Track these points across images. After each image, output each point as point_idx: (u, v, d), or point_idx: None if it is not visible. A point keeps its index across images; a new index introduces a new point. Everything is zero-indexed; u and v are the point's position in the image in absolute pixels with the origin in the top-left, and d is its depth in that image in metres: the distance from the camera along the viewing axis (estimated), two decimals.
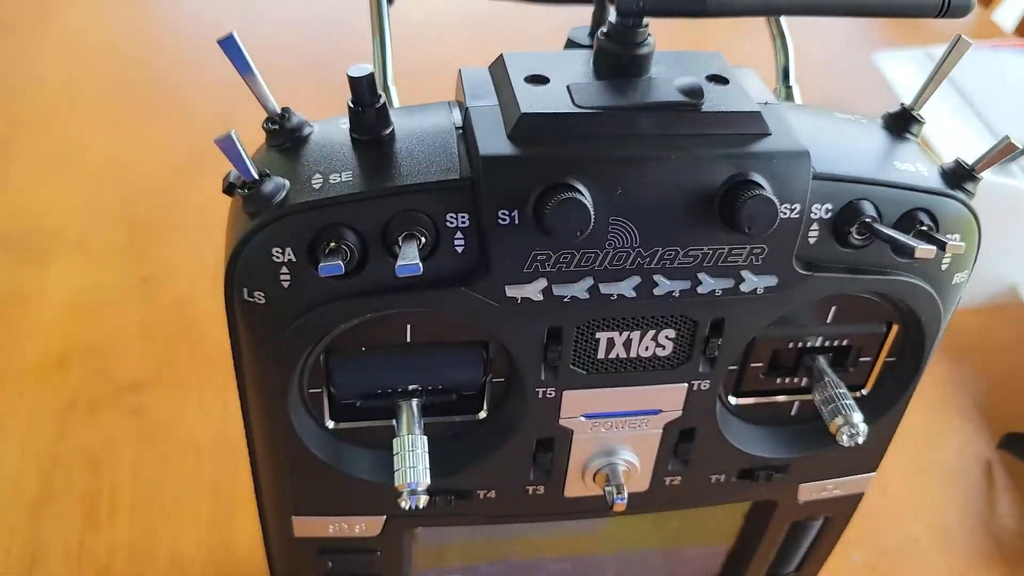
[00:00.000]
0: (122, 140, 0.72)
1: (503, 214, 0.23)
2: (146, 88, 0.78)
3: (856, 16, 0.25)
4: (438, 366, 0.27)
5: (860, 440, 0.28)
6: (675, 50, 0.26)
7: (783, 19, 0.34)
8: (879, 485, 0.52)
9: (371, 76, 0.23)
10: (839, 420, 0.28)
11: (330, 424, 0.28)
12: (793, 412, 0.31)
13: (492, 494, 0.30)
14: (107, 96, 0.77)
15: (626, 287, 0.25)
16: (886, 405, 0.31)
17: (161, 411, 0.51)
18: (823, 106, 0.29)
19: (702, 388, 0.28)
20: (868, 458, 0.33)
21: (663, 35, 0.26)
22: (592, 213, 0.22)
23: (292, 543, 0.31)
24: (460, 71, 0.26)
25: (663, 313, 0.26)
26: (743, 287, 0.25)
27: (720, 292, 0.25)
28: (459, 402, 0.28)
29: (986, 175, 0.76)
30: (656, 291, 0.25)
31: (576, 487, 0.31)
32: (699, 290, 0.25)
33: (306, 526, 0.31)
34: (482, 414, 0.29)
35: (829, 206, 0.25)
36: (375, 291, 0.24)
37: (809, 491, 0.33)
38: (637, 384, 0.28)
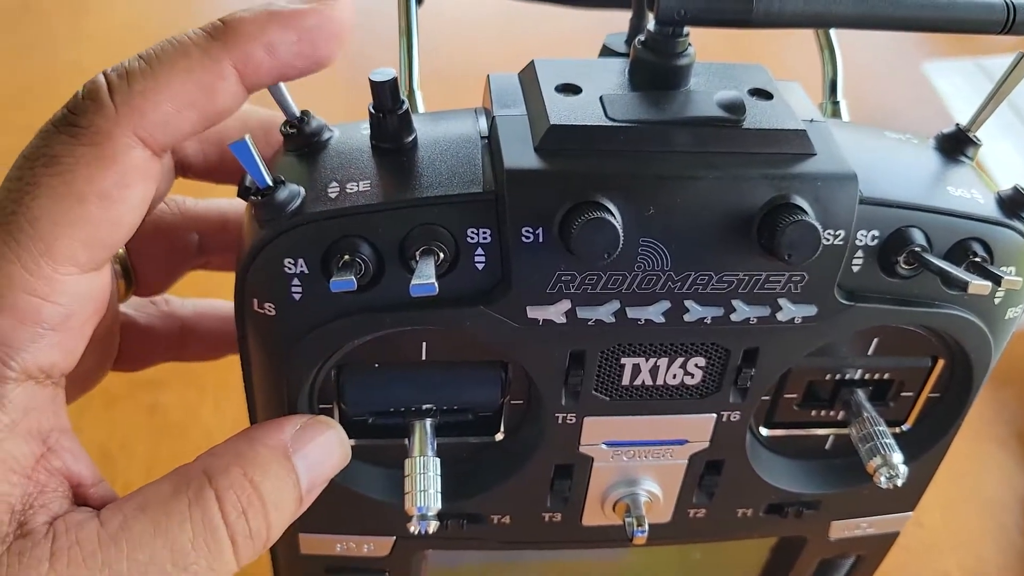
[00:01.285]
0: None
1: (527, 231, 0.22)
2: None
3: (914, 31, 0.24)
4: (454, 386, 0.26)
5: (899, 483, 0.26)
6: (716, 61, 0.25)
7: (832, 31, 0.32)
8: (914, 517, 0.50)
9: (394, 81, 0.22)
10: (877, 460, 0.27)
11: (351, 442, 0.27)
12: (828, 446, 0.30)
13: (507, 519, 0.29)
14: None
15: (655, 312, 0.24)
16: (928, 443, 0.29)
17: (176, 410, 0.51)
18: (872, 124, 0.28)
19: (732, 419, 0.27)
20: (905, 497, 0.31)
21: (701, 43, 0.24)
22: (621, 235, 0.21)
23: (298, 560, 0.30)
24: (488, 77, 0.25)
25: (693, 340, 0.25)
26: (780, 316, 0.24)
27: (755, 320, 0.24)
28: (475, 423, 0.27)
29: None
30: (687, 317, 0.24)
31: (595, 516, 0.29)
32: (732, 317, 0.24)
33: (313, 544, 0.30)
34: (499, 436, 0.28)
35: (876, 232, 0.24)
36: (390, 307, 0.23)
37: (841, 528, 0.32)
38: (663, 413, 0.26)
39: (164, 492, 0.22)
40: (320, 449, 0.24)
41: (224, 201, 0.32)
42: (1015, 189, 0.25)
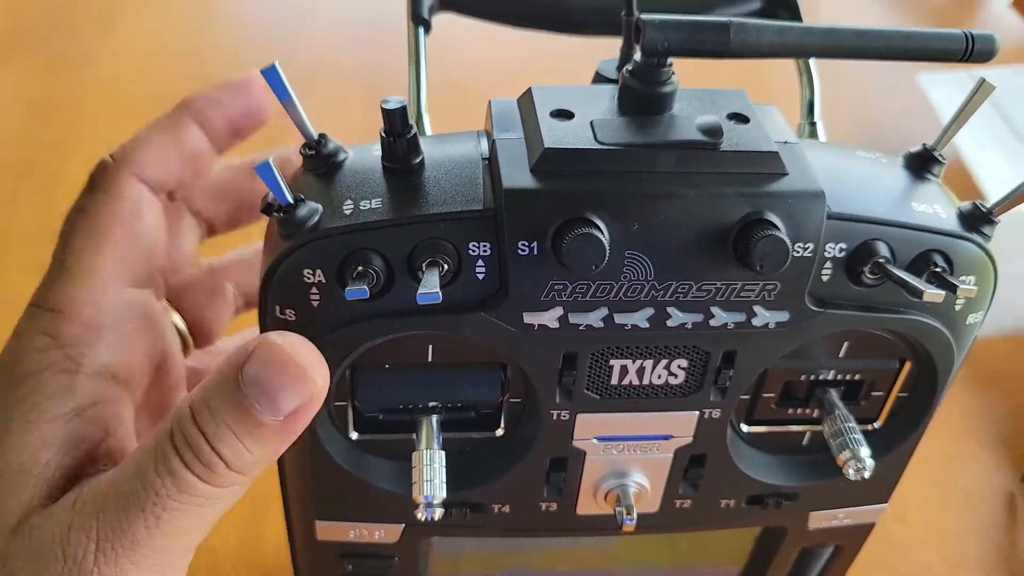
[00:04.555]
0: None
1: (523, 245, 0.24)
2: (197, 89, 0.80)
3: (881, 60, 0.26)
4: (457, 385, 0.29)
5: (866, 475, 0.29)
6: (699, 88, 0.27)
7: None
8: (897, 512, 0.53)
9: (404, 109, 0.25)
10: (846, 454, 0.29)
11: (354, 435, 0.30)
12: (804, 442, 0.32)
13: (507, 508, 0.31)
14: (159, 98, 0.78)
15: (640, 318, 0.26)
16: (897, 440, 0.31)
17: None
18: (868, 135, 0.29)
19: (713, 416, 0.29)
20: (879, 490, 0.33)
21: (693, 66, 0.26)
22: (607, 248, 0.23)
23: (315, 545, 0.32)
24: (490, 102, 0.27)
25: (676, 344, 0.27)
26: (755, 321, 0.26)
27: (732, 326, 0.26)
28: (477, 419, 0.30)
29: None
30: (669, 323, 0.26)
31: (588, 505, 0.32)
32: (712, 323, 0.26)
33: (328, 530, 0.32)
34: (499, 432, 0.30)
35: (843, 245, 0.26)
36: (399, 313, 0.26)
37: (819, 519, 0.34)
38: (649, 410, 0.29)
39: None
40: (271, 368, 0.24)
41: (241, 249, 0.37)
42: (974, 205, 0.27)
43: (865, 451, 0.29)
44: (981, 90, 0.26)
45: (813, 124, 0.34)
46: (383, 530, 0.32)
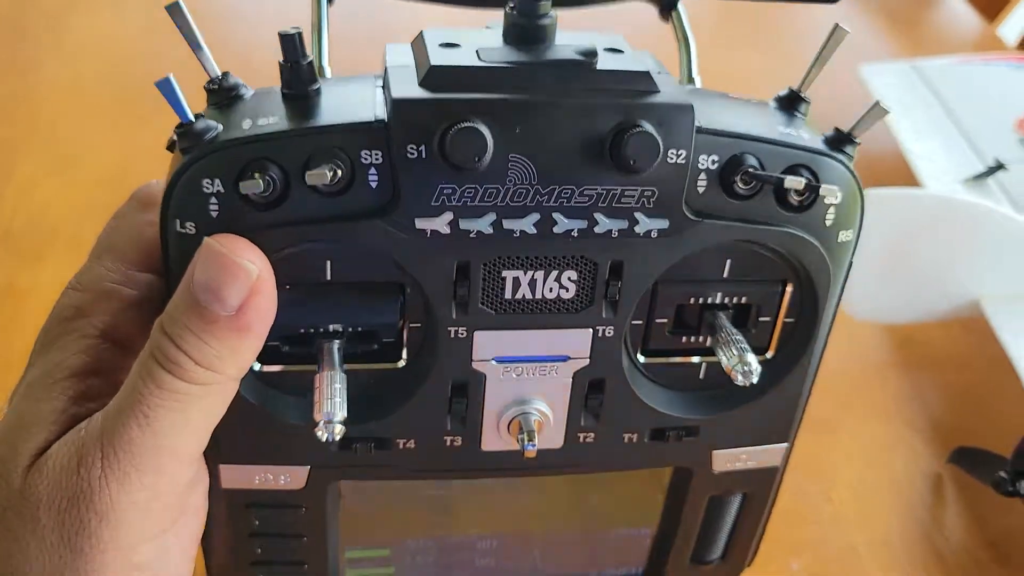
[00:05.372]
0: (124, 142, 0.74)
1: (412, 148, 0.26)
2: (153, 89, 0.79)
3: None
4: (356, 306, 0.29)
5: (754, 379, 0.29)
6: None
7: (686, 21, 0.37)
8: (823, 493, 0.52)
9: (300, 34, 0.26)
10: (733, 359, 0.30)
11: (256, 366, 0.30)
12: (702, 375, 0.32)
13: (411, 444, 0.32)
14: (114, 98, 0.80)
15: (527, 223, 0.27)
16: (787, 367, 0.32)
17: None
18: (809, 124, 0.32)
19: (607, 335, 0.30)
20: (778, 427, 0.34)
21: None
22: (489, 141, 0.25)
23: (221, 495, 0.32)
24: (386, 46, 0.29)
25: (564, 254, 0.28)
26: (638, 229, 0.28)
27: (616, 233, 0.28)
28: (379, 351, 0.30)
29: (960, 192, 0.77)
30: (556, 229, 0.28)
31: (492, 440, 0.32)
32: (596, 230, 0.28)
33: (233, 476, 0.32)
34: (401, 363, 0.31)
35: (715, 158, 0.28)
36: (296, 222, 0.27)
37: (723, 460, 0.34)
38: (544, 327, 0.30)
39: None
40: (211, 268, 0.26)
41: None
42: (836, 129, 0.29)
43: (751, 356, 0.30)
44: (835, 36, 0.28)
45: (692, 80, 0.36)
46: (288, 473, 0.32)
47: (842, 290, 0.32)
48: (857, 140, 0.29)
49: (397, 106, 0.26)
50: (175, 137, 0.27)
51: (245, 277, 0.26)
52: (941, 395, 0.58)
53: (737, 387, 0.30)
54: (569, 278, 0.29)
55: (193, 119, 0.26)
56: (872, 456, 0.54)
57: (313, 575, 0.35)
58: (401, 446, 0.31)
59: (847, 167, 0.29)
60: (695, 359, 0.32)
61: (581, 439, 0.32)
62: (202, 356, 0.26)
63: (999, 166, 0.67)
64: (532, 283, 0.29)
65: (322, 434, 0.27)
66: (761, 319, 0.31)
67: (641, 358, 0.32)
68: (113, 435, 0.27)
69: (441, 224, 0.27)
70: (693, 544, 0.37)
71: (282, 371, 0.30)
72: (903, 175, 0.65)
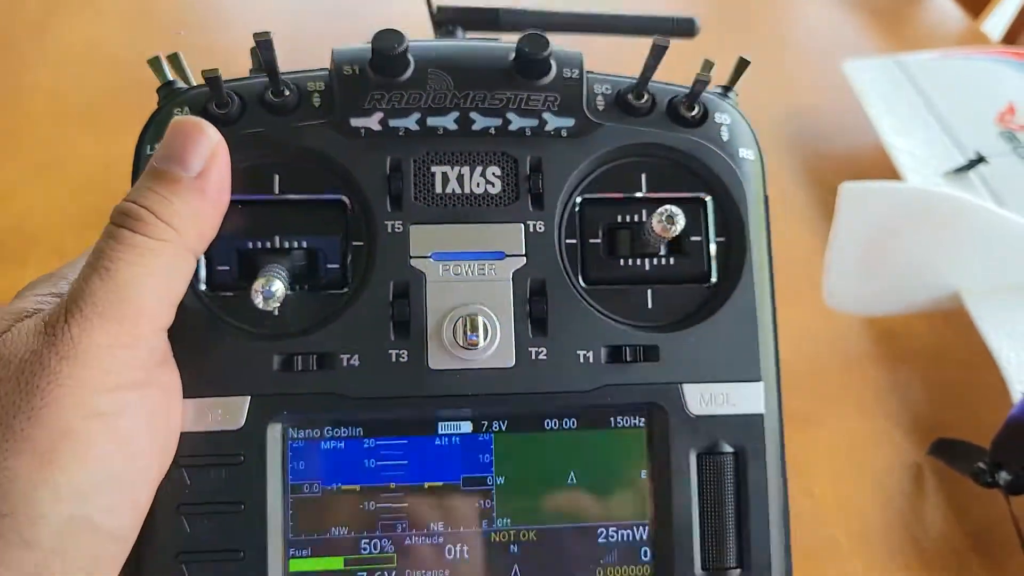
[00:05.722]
0: (105, 147, 0.73)
1: (347, 68, 0.32)
2: (135, 95, 0.79)
3: (611, 35, 0.38)
4: (302, 219, 0.32)
5: (678, 226, 0.31)
6: None
7: None
8: (805, 487, 0.52)
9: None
10: (653, 218, 0.31)
11: (203, 287, 0.31)
12: (650, 305, 0.33)
13: (355, 360, 0.31)
14: (95, 104, 0.79)
15: (448, 120, 0.32)
16: (729, 289, 0.33)
17: None
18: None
19: (538, 230, 0.32)
20: (743, 359, 0.32)
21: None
22: (405, 39, 0.31)
23: None
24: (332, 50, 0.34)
25: (486, 150, 0.32)
26: (548, 128, 0.32)
27: (529, 132, 0.32)
28: (325, 281, 0.32)
29: (941, 186, 0.76)
30: (474, 127, 0.32)
31: (439, 356, 0.31)
32: (511, 128, 0.32)
33: None
34: (346, 289, 0.32)
35: (608, 88, 0.33)
36: (252, 134, 0.32)
37: (697, 398, 0.32)
38: (476, 221, 0.32)
39: None
40: (176, 137, 0.30)
41: None
42: (720, 86, 0.35)
43: (672, 207, 0.31)
44: (654, 52, 0.32)
45: None
46: (226, 406, 0.30)
47: (768, 222, 0.33)
48: (735, 91, 0.34)
49: (339, 56, 0.32)
50: (157, 90, 0.32)
51: (207, 141, 0.29)
52: (921, 387, 0.58)
53: (688, 307, 0.32)
54: (494, 173, 0.32)
55: (170, 80, 0.32)
56: (852, 449, 0.54)
57: (250, 567, 0.31)
58: (345, 362, 0.31)
59: (729, 101, 0.34)
60: (639, 287, 0.32)
61: (533, 355, 0.31)
62: (162, 209, 0.28)
63: (980, 159, 0.67)
64: (460, 178, 0.32)
65: (259, 300, 0.29)
66: (692, 238, 0.33)
67: (583, 284, 0.32)
68: (76, 292, 0.28)
69: (373, 122, 0.32)
70: (697, 539, 0.32)
71: (230, 296, 0.31)
72: (885, 169, 0.66)
